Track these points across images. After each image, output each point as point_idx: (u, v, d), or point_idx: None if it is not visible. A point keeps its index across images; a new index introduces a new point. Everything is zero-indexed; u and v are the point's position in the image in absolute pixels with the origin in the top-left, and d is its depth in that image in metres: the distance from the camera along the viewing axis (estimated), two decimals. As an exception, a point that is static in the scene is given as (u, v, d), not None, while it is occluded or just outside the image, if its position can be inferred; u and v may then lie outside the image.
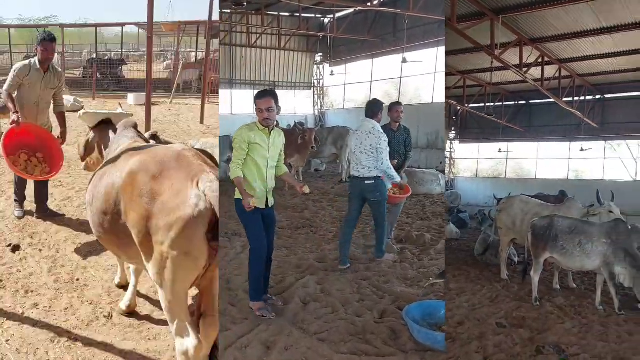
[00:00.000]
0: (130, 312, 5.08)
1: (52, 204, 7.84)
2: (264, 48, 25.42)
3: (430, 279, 6.08)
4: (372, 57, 24.27)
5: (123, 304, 5.09)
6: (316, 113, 27.45)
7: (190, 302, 4.35)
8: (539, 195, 10.70)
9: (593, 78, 16.49)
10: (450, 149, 23.44)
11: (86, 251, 6.43)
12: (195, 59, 26.14)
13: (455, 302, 6.94)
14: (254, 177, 5.22)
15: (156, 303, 5.18)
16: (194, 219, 3.31)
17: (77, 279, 5.79)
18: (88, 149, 6.17)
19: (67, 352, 4.50)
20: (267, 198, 5.33)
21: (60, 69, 7.49)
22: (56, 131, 7.23)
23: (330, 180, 14.87)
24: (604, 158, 19.85)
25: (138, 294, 5.31)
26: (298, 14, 21.78)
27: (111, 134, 5.24)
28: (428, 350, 4.59)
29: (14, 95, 6.88)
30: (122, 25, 27.74)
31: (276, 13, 22.97)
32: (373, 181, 6.83)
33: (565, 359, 5.16)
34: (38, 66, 6.95)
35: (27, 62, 7.03)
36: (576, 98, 16.42)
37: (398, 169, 7.44)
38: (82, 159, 6.46)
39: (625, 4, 10.09)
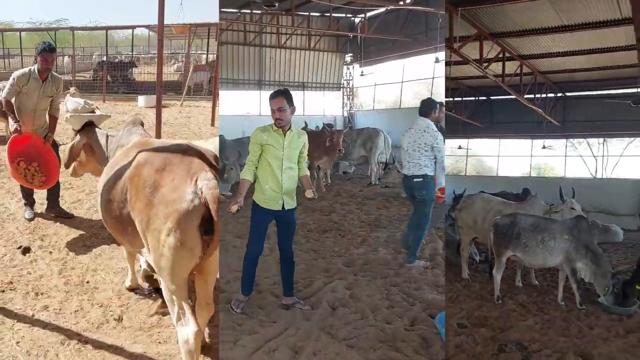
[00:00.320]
0: (134, 288, 5.48)
1: (62, 206, 7.86)
2: (294, 49, 25.21)
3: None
4: (403, 57, 23.89)
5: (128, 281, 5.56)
6: (345, 114, 27.16)
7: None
8: (502, 193, 10.63)
9: (554, 76, 16.41)
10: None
11: (96, 253, 6.43)
12: (206, 61, 26.18)
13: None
14: (266, 179, 5.20)
15: (166, 307, 5.17)
16: (189, 213, 3.60)
17: (88, 282, 5.78)
18: (74, 153, 6.09)
19: (77, 355, 4.49)
20: (283, 200, 5.25)
21: (59, 76, 7.54)
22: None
23: (358, 183, 14.59)
24: (566, 156, 19.89)
25: (149, 296, 5.34)
26: (328, 14, 21.51)
27: (119, 131, 5.39)
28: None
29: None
30: (133, 27, 27.85)
31: (306, 13, 22.74)
32: (421, 179, 6.85)
33: (527, 356, 5.17)
34: (37, 75, 7.03)
35: (26, 70, 7.10)
36: (537, 95, 16.36)
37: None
38: (67, 165, 6.32)
39: (586, 3, 10.06)
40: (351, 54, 26.66)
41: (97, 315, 5.08)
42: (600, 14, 10.44)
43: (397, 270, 6.80)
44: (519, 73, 14.40)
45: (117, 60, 27.76)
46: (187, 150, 4.00)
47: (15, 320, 4.95)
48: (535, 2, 10.07)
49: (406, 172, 7.03)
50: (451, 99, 18.83)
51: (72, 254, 6.48)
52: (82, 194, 8.68)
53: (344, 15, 23.74)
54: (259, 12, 21.27)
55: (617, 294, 6.48)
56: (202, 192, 3.62)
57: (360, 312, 5.34)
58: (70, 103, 13.54)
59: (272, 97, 5.15)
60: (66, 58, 30.09)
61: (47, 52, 6.95)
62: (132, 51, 30.56)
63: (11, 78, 7.02)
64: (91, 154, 5.89)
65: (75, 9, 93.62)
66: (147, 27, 26.81)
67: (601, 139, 19.22)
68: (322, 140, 12.41)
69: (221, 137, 12.82)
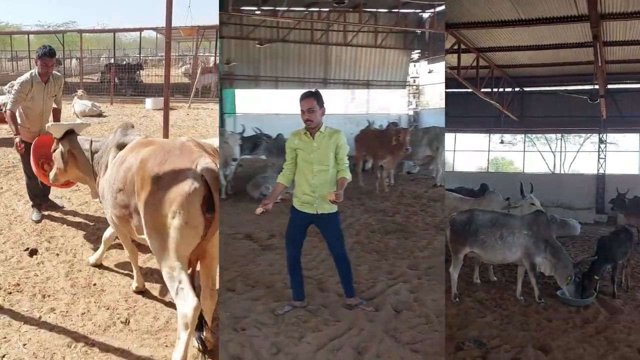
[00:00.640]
0: (141, 291, 5.60)
1: (69, 208, 7.94)
2: (360, 46, 24.23)
3: None
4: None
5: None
6: (410, 113, 26.25)
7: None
8: (459, 189, 10.60)
9: (512, 70, 16.32)
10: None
11: (103, 256, 6.41)
12: (214, 64, 26.19)
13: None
14: (300, 182, 5.18)
15: (173, 310, 5.16)
16: (190, 195, 4.01)
17: (94, 284, 5.78)
18: (56, 161, 6.08)
19: (84, 358, 4.49)
20: (316, 204, 5.17)
21: (59, 74, 7.67)
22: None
23: (423, 183, 14.10)
24: (524, 151, 19.83)
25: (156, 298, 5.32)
26: (396, 10, 20.84)
27: (107, 137, 5.58)
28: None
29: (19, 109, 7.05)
30: (140, 30, 27.92)
31: (374, 10, 21.95)
32: None
33: (486, 352, 5.19)
34: (39, 79, 7.14)
35: (27, 76, 7.17)
36: (495, 89, 16.13)
37: None
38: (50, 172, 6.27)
39: (544, -1, 10.12)
40: (419, 51, 25.69)
41: (104, 318, 5.07)
42: (558, 10, 10.38)
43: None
44: (475, 66, 14.11)
45: (124, 62, 27.79)
46: (186, 143, 4.44)
47: (22, 323, 4.94)
48: (491, -7, 10.05)
49: None
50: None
51: (79, 256, 6.48)
52: (88, 196, 8.66)
53: (412, 10, 22.79)
54: (327, 9, 20.86)
55: (577, 284, 6.56)
56: (201, 175, 4.03)
57: (424, 317, 5.26)
58: (77, 105, 13.66)
59: (302, 98, 5.08)
60: (74, 60, 30.20)
61: (47, 56, 7.09)
62: (139, 53, 30.61)
63: (14, 89, 7.12)
64: (73, 161, 5.88)
65: (83, 11, 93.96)
66: (155, 29, 26.86)
67: (559, 135, 19.39)
68: (386, 139, 12.28)
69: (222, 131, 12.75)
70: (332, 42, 23.19)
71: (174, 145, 4.44)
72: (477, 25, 11.82)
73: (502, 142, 19.88)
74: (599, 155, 18.22)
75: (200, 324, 4.38)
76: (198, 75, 22.66)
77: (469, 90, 14.67)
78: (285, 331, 4.87)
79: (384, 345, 4.64)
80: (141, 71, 26.26)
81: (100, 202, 5.64)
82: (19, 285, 5.64)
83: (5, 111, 7.23)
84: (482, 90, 14.67)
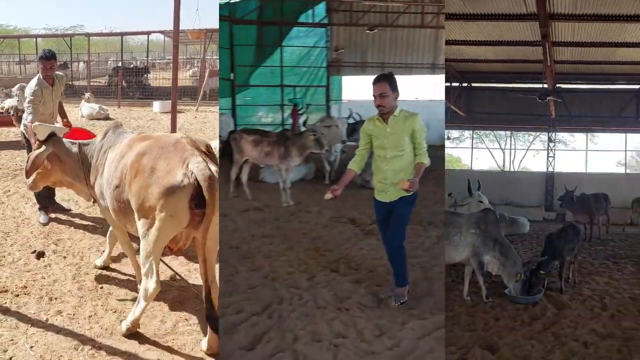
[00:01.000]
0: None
1: (76, 211, 7.93)
2: None
3: None
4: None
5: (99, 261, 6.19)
6: None
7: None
8: None
9: (459, 65, 16.20)
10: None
11: (110, 259, 6.40)
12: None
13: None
14: (376, 170, 5.15)
15: (181, 314, 5.15)
16: (179, 191, 4.31)
17: (101, 287, 5.76)
18: (37, 164, 5.77)
19: (91, 361, 4.47)
20: (389, 191, 5.10)
21: (60, 74, 7.75)
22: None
23: None
24: (472, 148, 19.79)
25: (163, 302, 5.28)
26: None
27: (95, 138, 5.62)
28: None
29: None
30: (148, 33, 27.99)
31: None
32: None
33: None
34: (46, 83, 7.19)
35: (35, 83, 7.14)
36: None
37: None
38: (28, 175, 5.92)
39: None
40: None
41: (111, 321, 5.05)
42: (507, 7, 10.42)
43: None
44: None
45: (132, 65, 27.87)
46: (180, 140, 4.68)
47: (29, 325, 4.92)
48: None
49: None
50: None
51: (86, 258, 6.46)
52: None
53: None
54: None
55: (524, 282, 6.50)
56: (192, 174, 4.30)
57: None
58: (85, 108, 13.68)
59: (374, 82, 4.93)
60: (81, 64, 30.32)
61: (45, 59, 7.16)
62: (147, 57, 30.70)
63: (27, 100, 7.08)
64: (57, 163, 5.75)
65: (91, 15, 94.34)
66: (163, 32, 26.95)
67: (508, 132, 19.51)
68: None
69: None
70: (443, 26, 21.41)
71: (168, 141, 4.69)
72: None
73: (448, 138, 19.64)
74: (548, 153, 18.39)
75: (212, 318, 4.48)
76: (206, 78, 22.68)
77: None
78: (389, 315, 5.06)
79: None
80: (148, 74, 26.31)
81: (94, 203, 5.78)
82: (26, 287, 5.63)
83: (25, 125, 7.17)
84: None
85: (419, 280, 5.85)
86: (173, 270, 5.83)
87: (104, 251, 6.31)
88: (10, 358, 4.48)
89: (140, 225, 4.51)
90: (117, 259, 6.43)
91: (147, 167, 4.47)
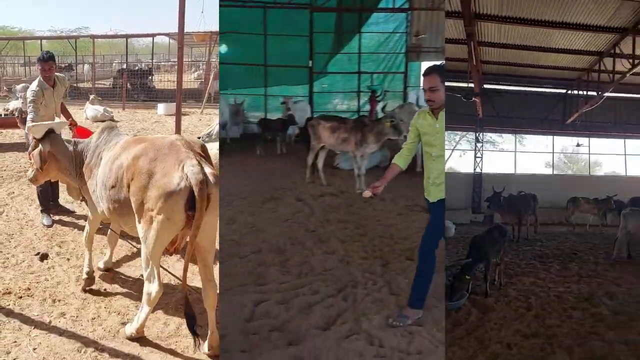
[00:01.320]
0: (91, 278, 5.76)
1: (80, 213, 7.94)
2: None
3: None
4: None
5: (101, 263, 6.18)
6: None
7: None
8: None
9: None
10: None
11: (113, 261, 6.40)
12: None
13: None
14: (425, 167, 4.91)
15: (184, 316, 5.14)
16: (176, 194, 4.34)
17: (105, 289, 5.76)
18: (36, 161, 5.97)
19: (94, 363, 4.46)
20: (430, 190, 4.87)
21: (61, 75, 7.77)
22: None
23: None
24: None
25: (166, 305, 5.26)
26: None
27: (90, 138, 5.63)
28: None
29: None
30: (153, 35, 28.04)
31: None
32: None
33: None
34: (47, 85, 7.20)
35: (36, 85, 7.16)
36: None
37: None
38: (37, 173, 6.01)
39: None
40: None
41: (114, 323, 5.05)
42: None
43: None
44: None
45: (137, 68, 27.91)
46: (175, 142, 4.69)
47: (32, 327, 4.93)
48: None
49: None
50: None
51: (89, 261, 6.46)
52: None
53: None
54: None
55: (446, 287, 6.34)
56: (187, 177, 4.33)
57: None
58: (89, 111, 13.68)
59: (425, 74, 4.66)
60: (86, 66, 30.38)
61: (43, 61, 7.20)
62: (152, 59, 30.73)
63: (29, 102, 7.13)
64: (53, 161, 5.80)
65: (95, 17, 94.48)
66: (167, 34, 26.97)
67: None
68: None
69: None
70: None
71: (163, 143, 4.70)
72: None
73: None
74: (475, 154, 18.48)
75: (190, 316, 4.52)
76: (211, 80, 22.69)
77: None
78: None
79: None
80: (152, 76, 26.33)
81: (82, 201, 5.88)
82: (29, 289, 5.63)
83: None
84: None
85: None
86: (174, 275, 5.81)
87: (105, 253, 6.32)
88: (14, 360, 4.48)
89: (140, 229, 4.55)
90: (120, 260, 6.44)
91: (143, 169, 4.51)
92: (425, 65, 19.06)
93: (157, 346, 4.72)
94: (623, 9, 10.75)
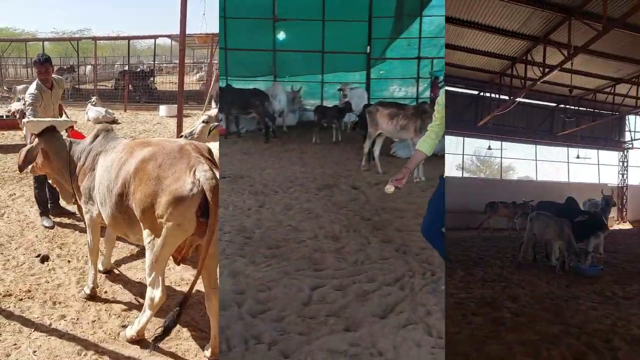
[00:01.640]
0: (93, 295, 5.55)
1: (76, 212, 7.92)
2: None
3: None
4: None
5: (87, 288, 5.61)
6: None
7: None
8: None
9: None
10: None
11: (114, 264, 6.39)
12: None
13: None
14: None
15: (185, 319, 5.12)
16: (188, 200, 4.22)
17: (105, 292, 5.74)
18: (29, 158, 5.85)
19: (94, 366, 4.45)
20: None
21: (59, 77, 7.82)
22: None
23: None
24: None
25: (168, 308, 5.26)
26: None
27: (86, 139, 5.57)
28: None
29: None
30: (155, 37, 28.05)
31: None
32: None
33: None
34: (44, 87, 7.24)
35: (34, 88, 7.19)
36: None
37: None
38: (21, 169, 6.09)
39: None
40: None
41: (115, 326, 5.03)
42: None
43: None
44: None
45: (139, 69, 27.92)
46: (184, 146, 4.55)
47: (33, 329, 4.91)
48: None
49: None
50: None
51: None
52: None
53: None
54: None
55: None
56: (199, 182, 4.21)
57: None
58: (91, 112, 13.65)
59: None
60: (88, 67, 30.41)
61: (39, 63, 7.25)
62: (154, 61, 30.75)
63: (27, 104, 7.12)
64: (47, 160, 5.75)
65: (98, 19, 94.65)
66: (169, 36, 26.97)
67: None
68: None
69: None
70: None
71: (172, 148, 4.57)
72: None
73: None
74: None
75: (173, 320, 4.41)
76: (212, 82, 22.67)
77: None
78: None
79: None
80: (154, 78, 26.34)
81: (74, 203, 5.80)
82: (29, 291, 5.62)
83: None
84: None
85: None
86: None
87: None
88: (13, 362, 4.47)
89: (146, 234, 4.43)
90: (121, 263, 6.43)
91: (153, 174, 4.38)
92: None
93: (157, 349, 4.70)
94: (535, 18, 11.16)
